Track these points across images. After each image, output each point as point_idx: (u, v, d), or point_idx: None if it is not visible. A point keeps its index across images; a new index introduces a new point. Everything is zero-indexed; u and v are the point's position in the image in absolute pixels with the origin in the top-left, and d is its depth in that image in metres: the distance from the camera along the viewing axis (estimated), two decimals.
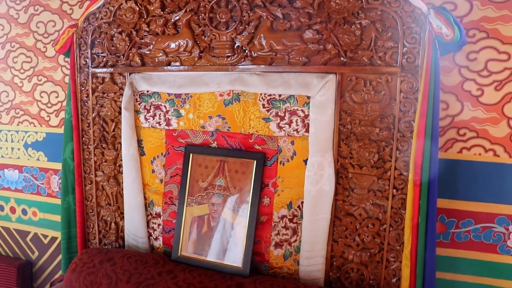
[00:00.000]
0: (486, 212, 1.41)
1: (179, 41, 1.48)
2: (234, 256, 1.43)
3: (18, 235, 2.11)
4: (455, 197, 1.44)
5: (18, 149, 2.03)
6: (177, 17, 1.48)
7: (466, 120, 1.40)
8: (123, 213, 1.67)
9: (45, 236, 2.05)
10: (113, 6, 1.57)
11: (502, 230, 1.41)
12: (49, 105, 1.93)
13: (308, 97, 1.34)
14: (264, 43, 1.37)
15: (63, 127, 1.79)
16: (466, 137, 1.40)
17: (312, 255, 1.38)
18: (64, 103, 1.88)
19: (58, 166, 1.91)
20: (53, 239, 2.03)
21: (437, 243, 1.44)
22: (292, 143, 1.39)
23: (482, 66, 1.36)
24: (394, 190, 1.30)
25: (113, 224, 1.71)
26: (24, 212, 2.07)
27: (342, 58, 1.30)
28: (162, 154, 1.59)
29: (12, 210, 2.10)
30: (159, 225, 1.61)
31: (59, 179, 1.95)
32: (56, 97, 1.91)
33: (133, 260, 1.49)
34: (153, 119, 1.58)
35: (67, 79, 1.85)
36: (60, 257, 2.01)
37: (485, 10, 1.33)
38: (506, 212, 1.39)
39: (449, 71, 1.38)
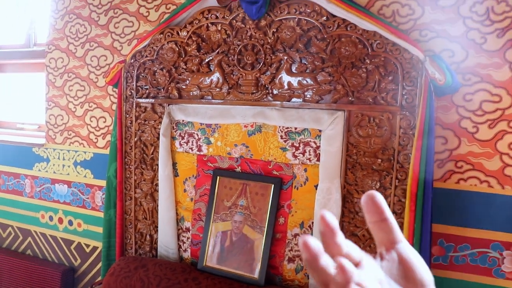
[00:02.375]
0: (481, 238, 1.55)
1: (211, 78, 1.71)
2: (252, 268, 1.62)
3: (63, 243, 2.36)
4: (453, 223, 1.58)
5: (68, 166, 2.29)
6: (210, 58, 1.72)
7: (463, 154, 1.54)
8: (157, 227, 1.89)
9: (87, 246, 2.28)
10: (157, 46, 1.82)
11: (496, 255, 1.54)
12: (97, 128, 2.19)
13: (320, 131, 1.53)
14: (283, 82, 1.59)
15: (108, 148, 2.04)
16: (463, 169, 1.55)
17: None
18: (111, 128, 2.13)
19: (102, 183, 2.16)
20: (94, 248, 2.26)
21: (437, 265, 1.58)
22: (305, 170, 1.58)
23: (477, 106, 1.51)
24: (394, 215, 1.47)
25: (148, 236, 1.93)
26: (70, 223, 2.32)
27: (350, 98, 1.50)
28: (193, 176, 1.81)
29: (60, 220, 2.35)
30: (188, 238, 1.82)
31: (102, 195, 2.19)
32: (104, 122, 2.17)
33: (163, 268, 1.70)
34: (187, 145, 1.81)
35: (114, 107, 2.10)
36: (99, 265, 2.23)
37: (479, 57, 1.49)
38: (499, 239, 1.52)
39: (447, 110, 1.55)
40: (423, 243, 1.41)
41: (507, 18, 1.44)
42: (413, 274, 0.40)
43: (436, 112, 1.52)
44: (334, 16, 1.49)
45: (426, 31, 1.53)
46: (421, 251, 1.42)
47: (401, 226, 1.46)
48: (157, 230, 1.89)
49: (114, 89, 2.05)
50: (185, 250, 1.83)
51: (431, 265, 1.54)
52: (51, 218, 2.38)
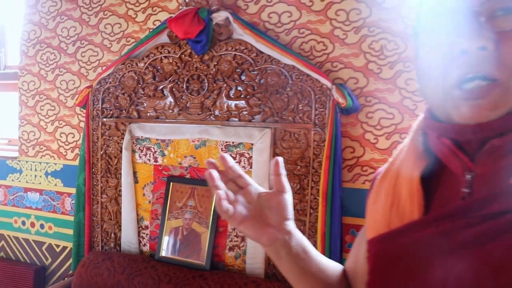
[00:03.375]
0: None
1: (165, 102, 2.07)
2: (199, 256, 1.98)
3: (35, 245, 2.64)
4: (361, 216, 1.97)
5: (40, 176, 2.59)
6: (164, 85, 2.08)
7: (367, 160, 1.95)
8: (120, 226, 2.22)
9: (58, 246, 2.57)
10: (119, 74, 2.17)
11: None
12: (66, 143, 2.50)
13: (252, 144, 1.92)
14: (223, 105, 1.97)
15: (77, 160, 2.36)
16: (368, 172, 1.95)
17: (254, 256, 1.93)
18: (79, 142, 2.44)
19: (71, 190, 2.46)
20: (64, 248, 2.55)
21: (347, 250, 1.99)
22: None
23: (376, 122, 1.92)
24: (311, 210, 1.86)
25: (113, 234, 2.26)
26: (42, 226, 2.61)
27: (275, 117, 1.89)
28: (151, 182, 2.16)
29: (32, 224, 2.64)
30: (147, 234, 2.17)
31: (71, 201, 2.49)
32: (72, 137, 2.48)
33: (127, 259, 2.03)
34: (145, 156, 2.15)
35: (81, 124, 2.41)
36: (68, 262, 2.52)
37: (377, 84, 1.90)
38: None
39: (354, 125, 1.95)
40: (333, 231, 1.81)
41: (396, 54, 1.86)
42: (283, 210, 0.70)
43: (346, 127, 1.93)
44: (262, 52, 1.89)
45: (336, 63, 1.93)
46: (332, 239, 1.81)
47: (316, 219, 1.85)
48: (120, 229, 2.22)
49: (82, 109, 2.37)
50: (144, 245, 2.17)
51: (344, 250, 1.93)
52: (23, 223, 2.66)
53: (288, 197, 0.70)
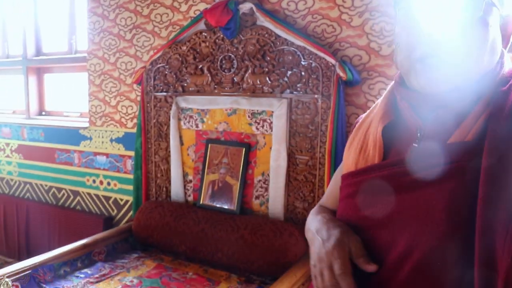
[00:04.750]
0: None
1: (203, 78, 2.53)
2: (231, 204, 2.45)
3: (104, 199, 3.21)
4: None
5: (106, 142, 3.14)
6: (202, 65, 2.53)
7: None
8: (170, 181, 2.72)
9: (121, 200, 3.13)
10: (167, 57, 2.64)
11: None
12: (126, 114, 3.03)
13: (272, 112, 2.34)
14: (249, 81, 2.39)
15: (135, 128, 2.88)
16: None
17: (275, 203, 2.35)
18: (136, 113, 2.95)
19: (131, 153, 2.97)
20: (126, 201, 3.10)
21: None
22: (264, 137, 2.39)
23: (377, 92, 2.26)
24: (320, 165, 2.26)
25: (164, 188, 2.77)
26: (108, 183, 3.17)
27: (290, 89, 2.29)
28: (193, 144, 2.63)
29: (101, 182, 3.21)
30: (191, 187, 2.66)
31: (131, 162, 3.02)
32: (131, 109, 3.00)
33: (174, 206, 2.53)
34: (189, 123, 2.63)
35: (138, 98, 2.91)
36: (130, 213, 3.08)
37: (377, 60, 2.24)
38: None
39: (358, 95, 2.30)
40: None
41: (393, 34, 2.20)
42: None
43: (351, 97, 2.29)
44: (279, 36, 2.28)
45: (343, 43, 2.30)
46: None
47: (323, 173, 2.24)
48: (170, 183, 2.72)
49: (138, 86, 2.87)
50: (189, 196, 2.67)
51: None
52: (94, 181, 3.24)
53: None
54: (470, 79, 0.70)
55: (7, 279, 1.29)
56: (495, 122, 0.65)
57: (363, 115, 0.93)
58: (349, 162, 0.87)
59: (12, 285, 1.93)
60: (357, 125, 0.92)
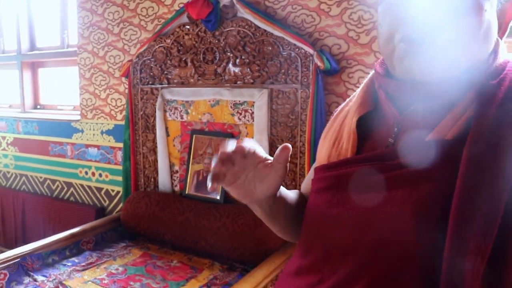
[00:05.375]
0: None
1: (187, 70, 2.57)
2: (216, 193, 2.50)
3: (96, 190, 3.27)
4: None
5: (97, 134, 3.20)
6: (186, 57, 2.57)
7: None
8: (157, 172, 2.78)
9: (113, 191, 3.19)
10: (152, 50, 2.68)
11: None
12: (116, 107, 3.08)
13: (253, 102, 2.38)
14: (231, 72, 2.43)
15: (124, 120, 2.94)
16: None
17: None
18: (125, 105, 3.01)
19: (121, 145, 3.02)
20: (117, 192, 3.15)
21: None
22: (246, 128, 2.43)
23: (356, 81, 2.28)
24: (300, 154, 2.29)
25: (152, 178, 2.82)
26: (100, 175, 3.23)
27: (271, 80, 2.33)
28: (179, 135, 2.68)
29: (93, 174, 3.27)
30: (177, 177, 2.71)
31: (121, 153, 3.08)
32: (120, 102, 3.05)
33: (161, 196, 2.59)
34: (174, 115, 2.67)
35: (126, 91, 2.97)
36: (120, 204, 3.14)
37: (355, 49, 2.26)
38: None
39: (338, 84, 2.32)
40: None
41: (371, 22, 2.21)
42: (271, 187, 0.71)
43: (331, 86, 2.31)
44: (259, 27, 2.31)
45: (323, 32, 2.32)
46: None
47: (304, 161, 2.28)
48: (158, 174, 2.78)
49: (126, 79, 2.92)
50: (175, 186, 2.72)
51: None
52: (86, 173, 3.30)
53: (281, 179, 0.71)
54: (457, 69, 0.63)
55: None
56: (480, 122, 0.58)
57: (342, 104, 0.87)
58: (322, 154, 0.81)
59: (0, 273, 2.00)
60: (334, 115, 0.86)
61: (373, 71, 0.79)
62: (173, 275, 2.10)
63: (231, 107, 2.46)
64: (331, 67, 2.18)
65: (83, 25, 3.15)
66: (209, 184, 0.69)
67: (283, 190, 0.80)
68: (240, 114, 2.43)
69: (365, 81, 0.81)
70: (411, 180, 0.62)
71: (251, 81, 2.38)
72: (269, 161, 0.70)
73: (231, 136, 2.47)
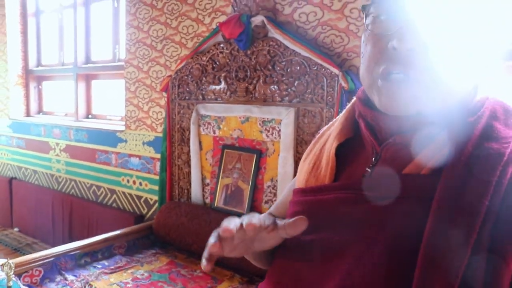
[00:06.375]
0: None
1: (220, 87, 2.67)
2: (243, 207, 2.56)
3: (136, 198, 3.44)
4: None
5: (139, 145, 3.37)
6: (219, 74, 2.68)
7: None
8: (191, 183, 2.89)
9: (151, 199, 3.34)
10: (189, 66, 2.81)
11: None
12: (157, 119, 3.24)
13: (281, 120, 2.43)
14: (261, 90, 2.50)
15: (162, 133, 3.08)
16: None
17: None
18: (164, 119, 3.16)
19: (159, 156, 3.19)
20: (155, 201, 3.30)
21: None
22: (273, 144, 2.49)
23: None
24: None
25: (185, 190, 2.93)
26: (140, 184, 3.39)
27: (297, 98, 2.38)
28: (211, 149, 2.78)
29: (134, 182, 3.44)
30: (208, 190, 2.81)
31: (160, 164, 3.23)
32: (161, 114, 3.20)
33: (190, 207, 2.69)
34: (207, 129, 2.78)
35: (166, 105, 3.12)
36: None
37: None
38: None
39: None
40: None
41: None
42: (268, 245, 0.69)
43: None
44: (287, 47, 2.38)
45: (351, 53, 2.35)
46: None
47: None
48: (191, 185, 2.89)
49: (165, 93, 3.06)
50: (206, 198, 2.82)
51: None
52: (128, 181, 3.48)
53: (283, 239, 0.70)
54: (438, 105, 0.61)
55: (10, 261, 1.48)
56: (454, 158, 0.58)
57: (325, 127, 0.85)
58: (300, 177, 0.80)
59: (35, 270, 2.17)
60: (316, 137, 0.85)
61: (355, 98, 0.76)
62: (194, 284, 2.18)
63: (260, 124, 2.53)
64: (356, 87, 2.19)
65: (130, 41, 3.34)
66: (203, 263, 0.67)
67: None
68: (268, 131, 2.49)
69: (347, 107, 0.79)
70: (383, 214, 0.61)
71: (279, 99, 2.44)
72: (274, 227, 0.65)
73: (259, 152, 2.53)
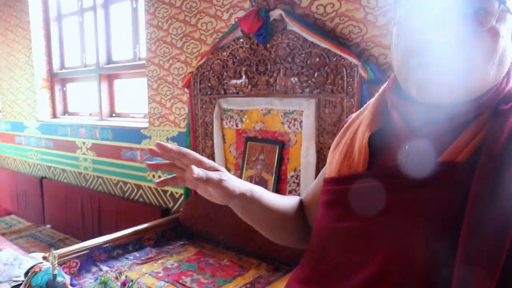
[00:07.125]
0: None
1: (241, 81, 2.74)
2: None
3: (162, 192, 3.53)
4: None
5: (163, 141, 3.44)
6: (240, 69, 2.74)
7: None
8: None
9: (177, 193, 3.42)
10: (210, 62, 2.88)
11: None
12: (179, 115, 3.32)
13: (302, 111, 2.49)
14: (281, 82, 2.56)
15: (186, 128, 3.16)
16: None
17: None
18: (187, 114, 3.23)
19: None
20: (181, 194, 3.38)
21: None
22: (295, 135, 2.54)
23: None
24: None
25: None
26: None
27: (318, 90, 2.43)
28: (234, 142, 2.85)
29: (159, 177, 3.51)
30: None
31: None
32: (184, 110, 3.28)
33: None
34: (230, 123, 2.85)
35: (188, 101, 3.19)
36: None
37: None
38: None
39: None
40: None
41: None
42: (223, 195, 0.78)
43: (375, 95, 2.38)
44: (306, 40, 2.43)
45: (369, 43, 2.38)
46: None
47: None
48: None
49: (187, 90, 3.14)
50: None
51: None
52: (153, 176, 3.57)
53: (227, 184, 0.79)
54: (472, 93, 0.63)
55: (54, 252, 1.57)
56: (491, 144, 0.59)
57: (353, 115, 0.86)
58: (332, 166, 0.81)
59: (73, 261, 2.27)
60: (345, 126, 0.85)
61: (385, 85, 0.79)
62: (222, 272, 2.25)
63: (281, 116, 2.58)
64: (375, 77, 2.23)
65: (151, 40, 3.43)
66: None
67: (259, 192, 0.86)
68: (290, 122, 2.55)
69: (376, 96, 0.80)
70: (419, 201, 0.63)
71: (300, 91, 2.49)
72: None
73: (282, 143, 2.59)
